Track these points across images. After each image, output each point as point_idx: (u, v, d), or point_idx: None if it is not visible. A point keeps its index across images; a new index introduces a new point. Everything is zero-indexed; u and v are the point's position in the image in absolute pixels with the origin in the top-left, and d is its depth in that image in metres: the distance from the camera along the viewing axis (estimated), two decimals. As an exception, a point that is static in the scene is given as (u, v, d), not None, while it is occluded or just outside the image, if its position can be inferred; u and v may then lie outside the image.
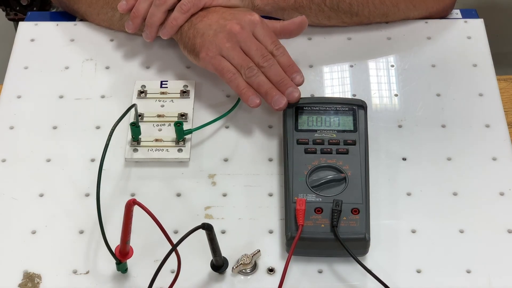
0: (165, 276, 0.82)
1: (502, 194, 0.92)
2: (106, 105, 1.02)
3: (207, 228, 0.79)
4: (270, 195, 0.93)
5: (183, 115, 1.00)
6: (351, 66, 1.06)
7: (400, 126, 0.99)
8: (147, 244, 0.87)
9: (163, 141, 0.97)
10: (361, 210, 0.86)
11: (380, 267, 0.85)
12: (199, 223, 0.78)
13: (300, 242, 0.84)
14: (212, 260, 0.85)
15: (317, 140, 0.92)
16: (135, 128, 0.95)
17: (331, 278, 0.85)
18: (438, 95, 1.03)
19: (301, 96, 0.97)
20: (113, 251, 0.83)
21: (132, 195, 0.93)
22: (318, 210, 0.86)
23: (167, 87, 1.03)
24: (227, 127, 1.00)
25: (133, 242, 0.83)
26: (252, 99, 0.95)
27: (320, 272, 0.86)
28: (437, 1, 1.10)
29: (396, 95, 1.03)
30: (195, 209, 0.91)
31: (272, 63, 0.96)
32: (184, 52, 1.01)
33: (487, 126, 0.99)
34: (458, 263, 0.86)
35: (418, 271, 0.86)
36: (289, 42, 1.02)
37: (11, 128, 1.00)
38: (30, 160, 0.96)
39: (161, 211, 0.88)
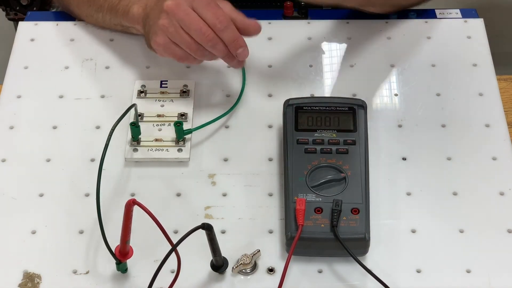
0: (165, 276, 0.82)
1: (502, 194, 0.92)
2: (106, 105, 1.02)
3: (207, 228, 0.79)
4: (270, 195, 0.93)
5: (183, 115, 1.00)
6: (351, 66, 1.06)
7: (400, 126, 0.99)
8: (147, 244, 0.87)
9: (163, 141, 0.97)
10: (361, 210, 0.86)
11: (380, 267, 0.85)
12: (199, 223, 0.78)
13: (300, 242, 0.84)
14: (212, 260, 0.85)
15: (317, 140, 0.92)
16: (135, 128, 0.95)
17: (331, 278, 0.85)
18: (438, 95, 1.03)
19: (301, 96, 0.98)
20: (113, 251, 0.83)
21: (132, 195, 0.93)
22: (318, 210, 0.86)
23: (167, 87, 1.03)
24: (227, 127, 1.00)
25: (133, 242, 0.83)
26: (240, 52, 0.95)
27: (320, 272, 0.86)
28: None
29: (396, 95, 1.03)
30: (195, 209, 0.91)
31: (215, 42, 0.93)
32: (150, 49, 1.00)
33: (487, 126, 0.99)
34: (458, 263, 0.86)
35: (418, 271, 0.86)
36: (289, 42, 1.02)
37: (11, 128, 1.00)
38: (30, 160, 0.96)
39: (161, 211, 0.88)
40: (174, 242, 0.78)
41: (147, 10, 0.99)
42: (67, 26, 1.12)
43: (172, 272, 0.83)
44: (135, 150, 0.96)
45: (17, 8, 1.59)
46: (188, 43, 0.94)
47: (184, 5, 0.93)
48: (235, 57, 0.95)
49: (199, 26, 0.92)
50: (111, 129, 0.89)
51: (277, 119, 0.99)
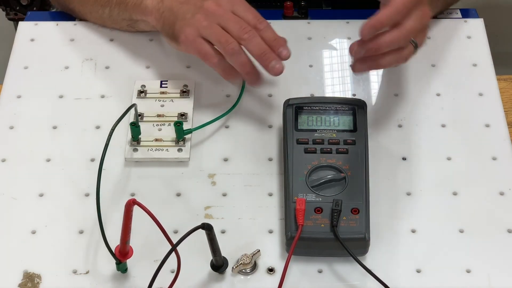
0: (165, 276, 0.82)
1: (502, 194, 0.92)
2: (106, 105, 1.02)
3: (207, 228, 0.79)
4: (270, 195, 0.93)
5: (183, 115, 1.00)
6: (351, 66, 1.06)
7: (400, 126, 0.99)
8: (147, 244, 0.87)
9: (163, 141, 0.97)
10: (361, 210, 0.86)
11: (380, 267, 0.85)
12: (199, 223, 0.78)
13: (300, 242, 0.84)
14: (212, 260, 0.85)
15: (317, 140, 0.92)
16: (135, 128, 0.95)
17: (331, 278, 0.85)
18: (438, 95, 1.03)
19: (301, 96, 0.97)
20: (113, 251, 0.83)
21: (132, 195, 0.93)
22: (318, 210, 0.86)
23: (167, 87, 1.03)
24: (227, 127, 1.00)
25: (133, 242, 0.83)
26: (234, 80, 0.96)
27: (320, 272, 0.86)
28: None
29: (396, 95, 1.03)
30: (195, 209, 0.91)
31: (253, 35, 0.92)
32: (166, 39, 1.00)
33: (487, 126, 0.99)
34: (458, 263, 0.86)
35: (418, 271, 0.86)
36: (289, 42, 1.02)
37: (11, 128, 1.00)
38: (30, 160, 0.96)
39: (161, 211, 0.88)
40: (174, 242, 0.78)
41: (165, 3, 0.98)
42: (67, 26, 1.12)
43: (172, 272, 0.83)
44: (135, 150, 0.96)
45: (17, 8, 1.59)
46: (219, 35, 0.93)
47: (226, 6, 0.94)
48: (273, 55, 0.92)
49: (238, 20, 0.93)
50: (111, 129, 0.89)
51: (277, 119, 0.99)
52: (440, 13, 1.12)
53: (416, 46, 0.92)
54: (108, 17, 1.07)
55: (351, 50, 0.90)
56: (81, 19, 1.12)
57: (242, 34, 0.93)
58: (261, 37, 0.93)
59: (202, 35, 0.95)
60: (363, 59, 0.91)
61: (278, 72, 0.92)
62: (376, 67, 0.93)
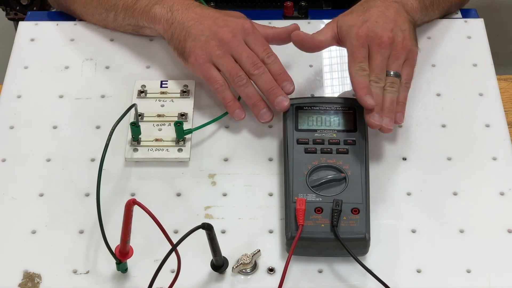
0: (165, 276, 0.82)
1: (502, 194, 0.92)
2: (106, 105, 1.02)
3: (207, 228, 0.79)
4: (270, 195, 0.93)
5: (183, 115, 1.00)
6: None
7: (400, 126, 0.99)
8: (147, 244, 0.87)
9: (163, 141, 0.97)
10: (361, 210, 0.86)
11: (380, 267, 0.85)
12: (199, 223, 0.78)
13: (300, 242, 0.84)
14: (212, 260, 0.85)
15: (317, 140, 0.92)
16: (135, 128, 0.95)
17: (331, 278, 0.85)
18: (438, 95, 1.03)
19: (301, 96, 0.98)
20: (113, 251, 0.83)
21: (132, 195, 0.93)
22: (318, 210, 0.86)
23: (167, 87, 1.03)
24: (227, 127, 1.00)
25: (133, 242, 0.83)
26: (238, 113, 0.97)
27: (320, 272, 0.86)
28: None
29: (396, 95, 1.03)
30: (195, 209, 0.91)
31: (263, 71, 0.96)
32: (173, 52, 1.01)
33: (487, 126, 0.99)
34: (458, 263, 0.86)
35: (418, 271, 0.86)
36: (289, 43, 1.02)
37: (11, 128, 1.00)
38: (30, 160, 0.96)
39: (161, 211, 0.88)
40: (174, 242, 0.78)
41: (177, 15, 1.00)
42: (67, 26, 1.12)
43: (172, 272, 0.83)
44: (135, 150, 0.96)
45: (17, 8, 1.59)
46: (231, 66, 0.96)
47: (239, 36, 0.97)
48: (280, 91, 0.96)
49: (251, 54, 0.96)
50: (111, 129, 0.89)
51: (277, 119, 0.99)
52: (441, 17, 1.12)
53: (398, 75, 0.94)
54: (112, 21, 1.07)
55: (374, 125, 0.92)
56: (80, 19, 1.12)
57: (253, 70, 0.96)
58: (268, 70, 0.97)
59: (212, 62, 0.97)
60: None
61: (284, 108, 0.95)
62: (391, 114, 0.93)
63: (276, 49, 1.02)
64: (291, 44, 1.01)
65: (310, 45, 0.98)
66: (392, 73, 0.94)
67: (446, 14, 1.12)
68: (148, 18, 1.02)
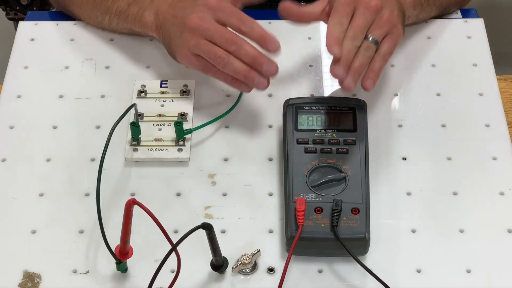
0: (165, 276, 0.82)
1: (502, 194, 0.92)
2: (106, 105, 1.02)
3: (207, 227, 0.79)
4: (270, 195, 0.93)
5: (183, 115, 1.00)
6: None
7: (400, 126, 0.99)
8: (147, 244, 0.87)
9: (163, 140, 0.97)
10: (361, 210, 0.86)
11: (380, 267, 0.85)
12: (199, 223, 0.78)
13: (300, 242, 0.84)
14: (212, 260, 0.85)
15: (317, 140, 0.92)
16: (135, 127, 0.95)
17: (331, 278, 0.85)
18: (438, 95, 1.03)
19: (301, 96, 0.98)
20: (113, 251, 0.83)
21: (132, 194, 0.93)
22: (318, 210, 0.86)
23: (167, 87, 1.03)
24: (227, 127, 1.00)
25: (133, 242, 0.83)
26: (243, 89, 0.95)
27: (320, 272, 0.86)
28: None
29: (396, 95, 1.03)
30: (195, 209, 0.91)
31: (240, 44, 0.92)
32: (170, 56, 1.01)
33: (487, 126, 0.99)
34: (458, 263, 0.86)
35: (418, 271, 0.86)
36: (289, 42, 1.02)
37: (11, 128, 1.00)
38: (30, 160, 0.96)
39: (161, 211, 0.88)
40: (174, 242, 0.78)
41: (160, 18, 0.99)
42: (67, 26, 1.12)
43: (172, 272, 0.83)
44: (135, 150, 0.96)
45: (17, 8, 1.59)
46: (208, 50, 0.93)
47: (208, 17, 0.94)
48: (264, 57, 0.93)
49: (223, 31, 0.93)
50: (111, 129, 0.89)
51: (277, 119, 0.99)
52: (440, 16, 1.12)
53: (376, 43, 0.92)
54: (108, 24, 1.07)
55: (335, 75, 0.90)
56: (79, 20, 1.12)
57: (230, 47, 0.92)
58: (248, 37, 0.93)
59: (194, 53, 0.95)
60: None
61: (273, 73, 0.93)
62: (356, 74, 0.91)
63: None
64: (291, 44, 1.01)
65: (297, 15, 0.95)
66: (370, 38, 0.92)
67: (446, 12, 1.12)
68: (141, 25, 1.03)
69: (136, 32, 1.05)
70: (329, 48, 0.89)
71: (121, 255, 0.83)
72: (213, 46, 0.93)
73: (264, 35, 0.93)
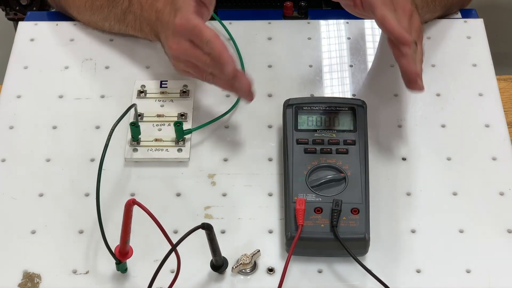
0: (165, 276, 0.82)
1: (502, 194, 0.92)
2: (106, 105, 1.02)
3: (207, 228, 0.79)
4: (270, 195, 0.93)
5: (183, 115, 1.00)
6: (351, 66, 1.06)
7: (400, 126, 0.99)
8: (147, 244, 0.87)
9: (163, 141, 0.97)
10: (361, 210, 0.86)
11: (380, 267, 0.85)
12: (199, 223, 0.78)
13: (300, 242, 0.84)
14: (212, 260, 0.85)
15: (317, 140, 0.92)
16: (135, 128, 0.95)
17: (331, 278, 0.85)
18: (438, 95, 1.03)
19: (301, 96, 0.98)
20: (113, 251, 0.83)
21: (132, 195, 0.93)
22: (318, 210, 0.86)
23: (167, 87, 1.03)
24: (227, 127, 1.00)
25: (133, 242, 0.83)
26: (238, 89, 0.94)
27: (320, 272, 0.86)
28: None
29: (396, 95, 1.03)
30: (195, 209, 0.91)
31: (210, 78, 0.93)
32: None
33: (487, 126, 0.99)
34: (458, 263, 0.86)
35: (418, 271, 0.86)
36: (289, 42, 1.02)
37: (11, 128, 1.00)
38: (30, 160, 0.96)
39: (161, 211, 0.88)
40: (174, 242, 0.78)
41: (154, 29, 0.99)
42: (67, 26, 1.12)
43: (172, 272, 0.83)
44: (135, 150, 0.96)
45: (17, 8, 1.59)
46: (197, 73, 0.94)
47: (181, 41, 0.92)
48: (241, 82, 0.92)
49: (198, 56, 0.92)
50: (111, 129, 0.89)
51: (277, 119, 0.99)
52: (441, 17, 1.12)
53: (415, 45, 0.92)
54: (109, 28, 1.08)
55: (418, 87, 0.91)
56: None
57: (203, 78, 0.94)
58: (210, 57, 0.91)
59: (184, 70, 0.95)
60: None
61: (245, 90, 0.91)
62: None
63: (277, 49, 1.02)
64: (291, 44, 1.01)
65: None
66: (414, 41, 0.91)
67: (448, 13, 1.12)
68: (142, 34, 1.04)
69: (137, 36, 1.06)
70: (413, 84, 0.90)
71: (121, 255, 0.83)
72: (198, 68, 0.93)
73: (220, 56, 0.90)
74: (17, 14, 1.60)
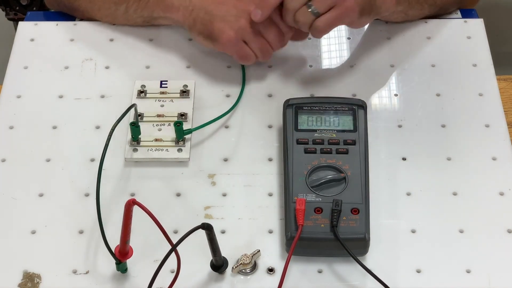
0: (165, 276, 0.82)
1: (502, 194, 0.92)
2: (106, 105, 1.02)
3: (207, 228, 0.79)
4: (270, 195, 0.93)
5: (183, 115, 1.00)
6: (351, 66, 1.06)
7: (400, 126, 0.99)
8: (147, 244, 0.87)
9: (163, 141, 0.97)
10: (361, 210, 0.86)
11: (380, 267, 0.85)
12: (199, 223, 0.78)
13: (300, 242, 0.84)
14: (212, 260, 0.85)
15: (317, 140, 0.92)
16: (135, 128, 0.95)
17: (331, 278, 0.85)
18: (438, 95, 1.03)
19: (301, 96, 0.98)
20: (113, 251, 0.83)
21: (132, 195, 0.93)
22: (318, 210, 0.86)
23: (167, 87, 1.03)
24: (227, 127, 1.00)
25: (133, 242, 0.83)
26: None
27: (320, 272, 0.86)
28: None
29: (396, 95, 1.03)
30: (195, 209, 0.91)
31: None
32: (198, 38, 1.01)
33: (487, 126, 0.99)
34: (458, 263, 0.86)
35: (418, 271, 0.86)
36: (290, 42, 1.02)
37: (11, 128, 1.00)
38: (30, 160, 0.96)
39: (161, 211, 0.88)
40: (174, 242, 0.78)
41: (193, 0, 1.00)
42: (67, 26, 1.12)
43: (172, 272, 0.83)
44: (135, 150, 0.96)
45: (17, 8, 1.59)
46: (262, 43, 0.98)
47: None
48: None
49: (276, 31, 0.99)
50: (111, 129, 0.89)
51: (277, 119, 0.99)
52: (439, 16, 1.12)
53: (316, 14, 0.94)
54: (122, 14, 1.07)
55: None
56: (84, 17, 1.12)
57: (279, 46, 1.00)
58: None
59: (244, 39, 0.98)
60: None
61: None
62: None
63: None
64: (291, 44, 1.01)
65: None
66: (312, 7, 0.94)
67: (444, 12, 1.12)
68: (164, 8, 1.03)
69: (154, 17, 1.05)
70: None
71: (121, 255, 0.83)
72: (266, 42, 0.99)
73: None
74: (17, 14, 1.60)
